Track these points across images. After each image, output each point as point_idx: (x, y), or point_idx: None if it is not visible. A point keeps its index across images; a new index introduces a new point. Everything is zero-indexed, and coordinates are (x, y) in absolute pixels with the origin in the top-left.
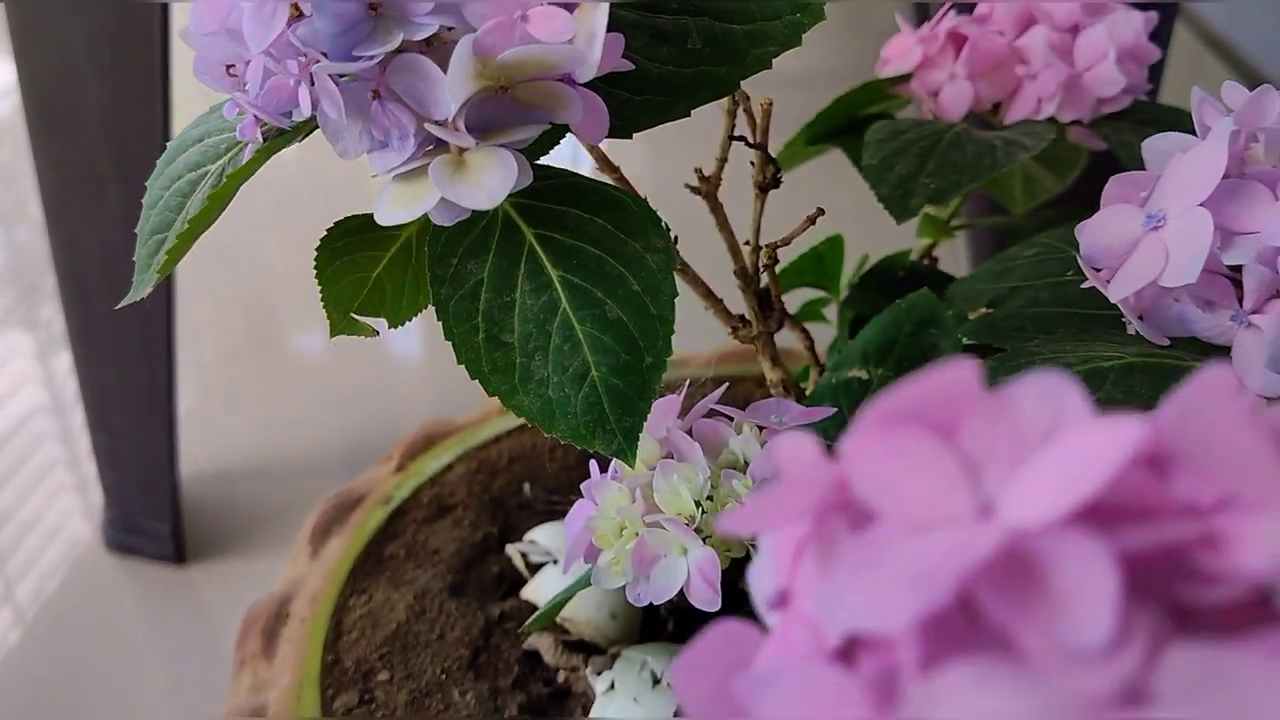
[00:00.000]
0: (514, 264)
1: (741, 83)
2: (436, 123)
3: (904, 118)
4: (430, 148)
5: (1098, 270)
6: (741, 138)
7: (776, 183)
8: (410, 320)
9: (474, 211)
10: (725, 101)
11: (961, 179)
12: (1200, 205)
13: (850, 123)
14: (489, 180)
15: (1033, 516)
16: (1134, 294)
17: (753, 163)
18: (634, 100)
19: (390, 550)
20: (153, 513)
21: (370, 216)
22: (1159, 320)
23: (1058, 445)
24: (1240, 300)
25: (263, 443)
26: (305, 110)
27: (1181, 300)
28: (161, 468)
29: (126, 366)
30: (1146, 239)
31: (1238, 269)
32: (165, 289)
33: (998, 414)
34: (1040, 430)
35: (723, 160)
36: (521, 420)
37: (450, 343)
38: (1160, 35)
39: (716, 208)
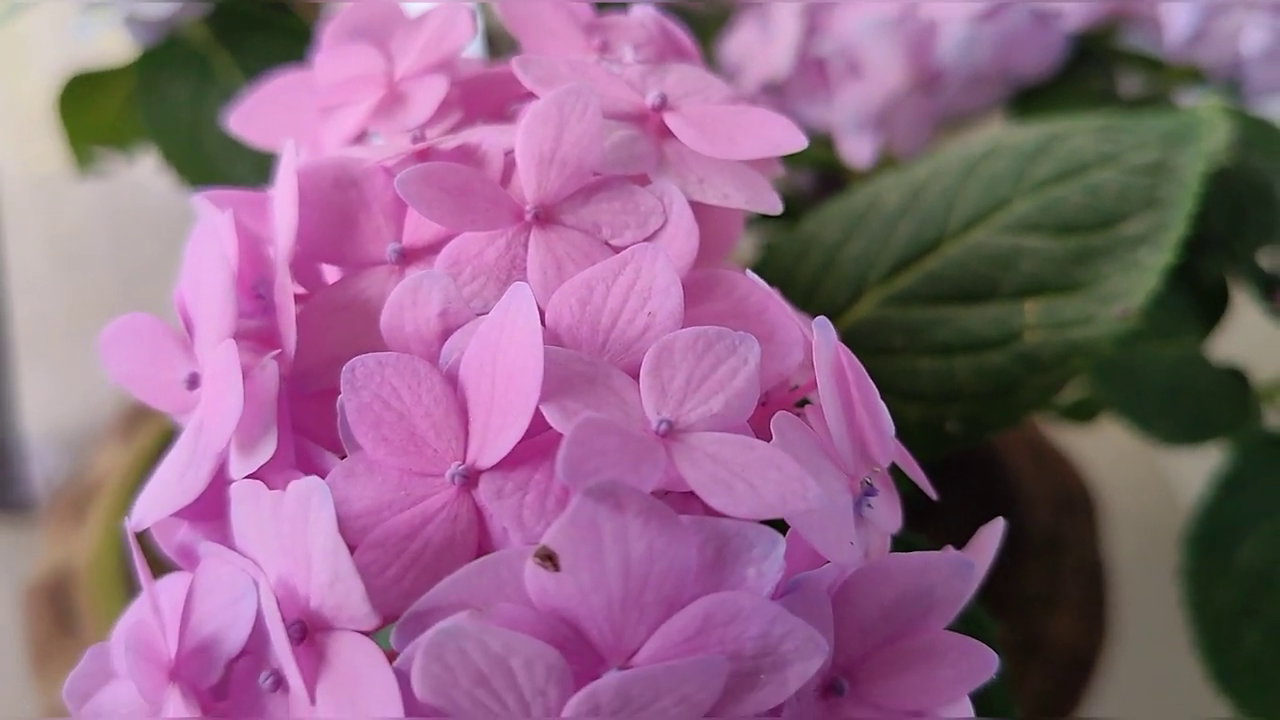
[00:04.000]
0: (210, 82)
1: None
2: None
3: None
4: None
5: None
6: None
7: None
8: (139, 143)
9: (172, 40)
10: None
11: None
12: (796, 10)
13: None
14: None
15: (402, 70)
16: (762, 97)
17: None
18: None
19: None
20: None
21: (101, 71)
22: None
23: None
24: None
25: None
26: None
27: (792, 97)
28: None
29: None
30: (762, 45)
31: None
32: None
33: (414, 28)
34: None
35: None
36: None
37: (164, 154)
38: None
39: None
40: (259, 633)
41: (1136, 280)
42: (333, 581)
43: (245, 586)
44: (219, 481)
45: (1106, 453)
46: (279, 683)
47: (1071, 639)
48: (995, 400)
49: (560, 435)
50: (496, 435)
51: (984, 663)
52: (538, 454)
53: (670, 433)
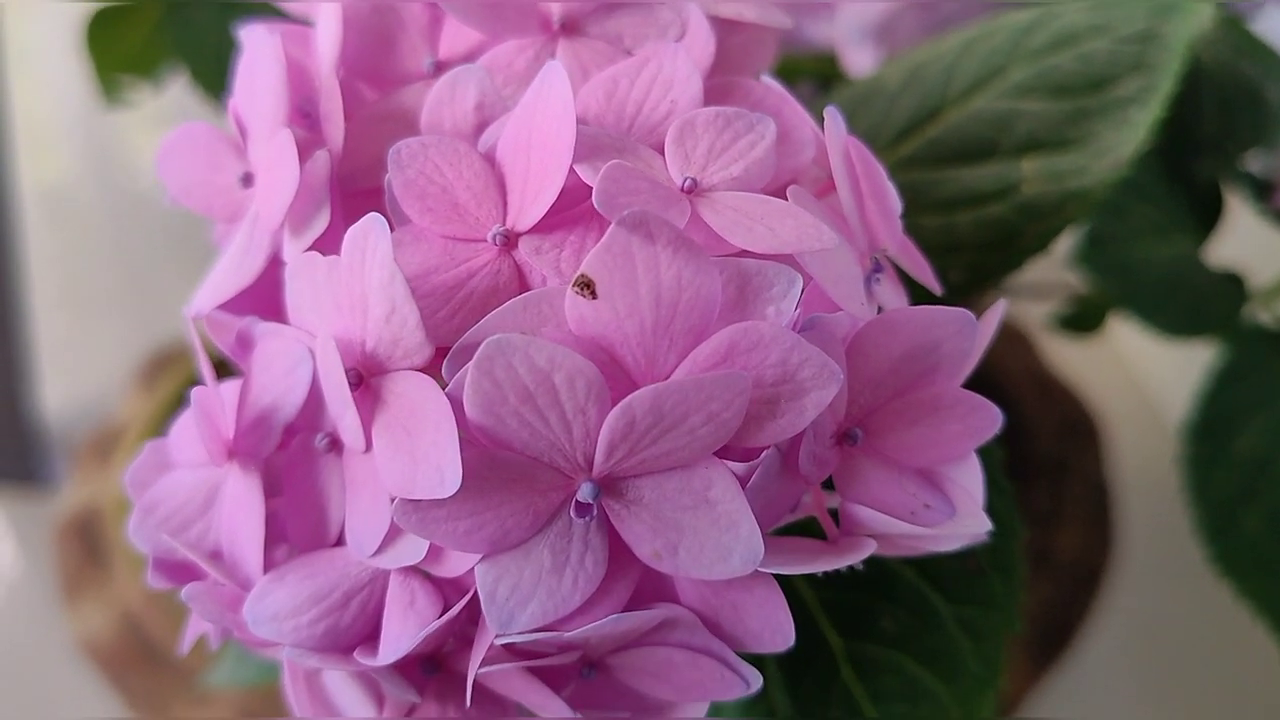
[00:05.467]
0: (233, 4)
1: None
2: None
3: None
4: None
5: None
6: None
7: None
8: (164, 70)
9: None
10: None
11: None
12: None
13: None
14: None
15: None
16: None
17: None
18: None
19: None
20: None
21: (127, 4)
22: (798, 38)
23: None
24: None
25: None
26: None
27: (796, 15)
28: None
29: None
30: None
31: None
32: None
33: None
34: None
35: None
36: None
37: (192, 73)
38: None
39: None
40: (313, 403)
41: (1127, 135)
42: (389, 314)
43: (301, 355)
44: (272, 273)
45: (1105, 390)
46: (334, 443)
47: (1078, 552)
48: (996, 249)
49: (592, 206)
50: (534, 200)
51: (989, 419)
52: (572, 221)
53: (694, 189)
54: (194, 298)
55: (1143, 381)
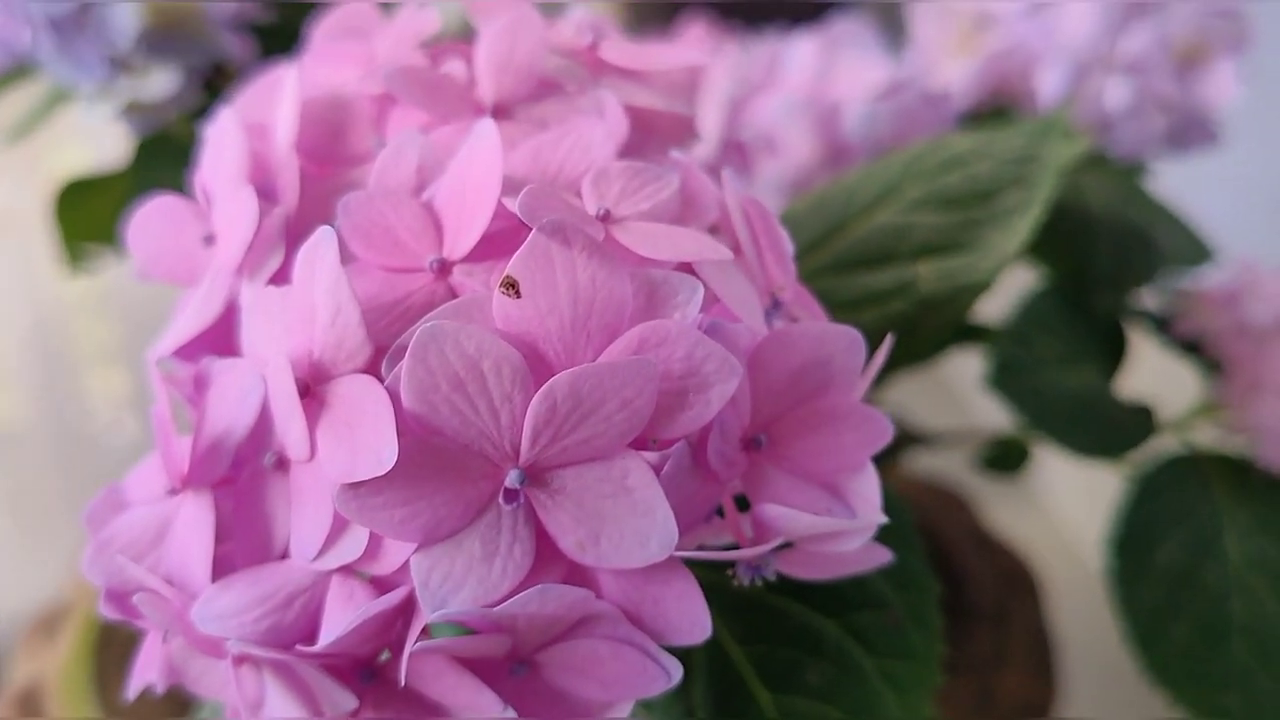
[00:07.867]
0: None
1: None
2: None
3: None
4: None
5: None
6: None
7: None
8: None
9: (162, 136)
10: None
11: None
12: (720, 104)
13: None
14: (157, 87)
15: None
16: None
17: None
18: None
19: None
20: None
21: (98, 177)
22: None
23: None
24: None
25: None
26: (27, 41)
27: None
28: None
29: None
30: None
31: None
32: None
33: (389, 28)
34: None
35: None
36: None
37: None
38: None
39: None
40: (263, 428)
41: (1011, 237)
42: (334, 315)
43: (254, 381)
44: (228, 321)
45: (1036, 549)
46: (280, 462)
47: (1023, 694)
48: (899, 341)
49: (519, 242)
50: (467, 231)
51: (881, 429)
52: (501, 252)
53: (608, 217)
54: (156, 344)
55: (1073, 544)
